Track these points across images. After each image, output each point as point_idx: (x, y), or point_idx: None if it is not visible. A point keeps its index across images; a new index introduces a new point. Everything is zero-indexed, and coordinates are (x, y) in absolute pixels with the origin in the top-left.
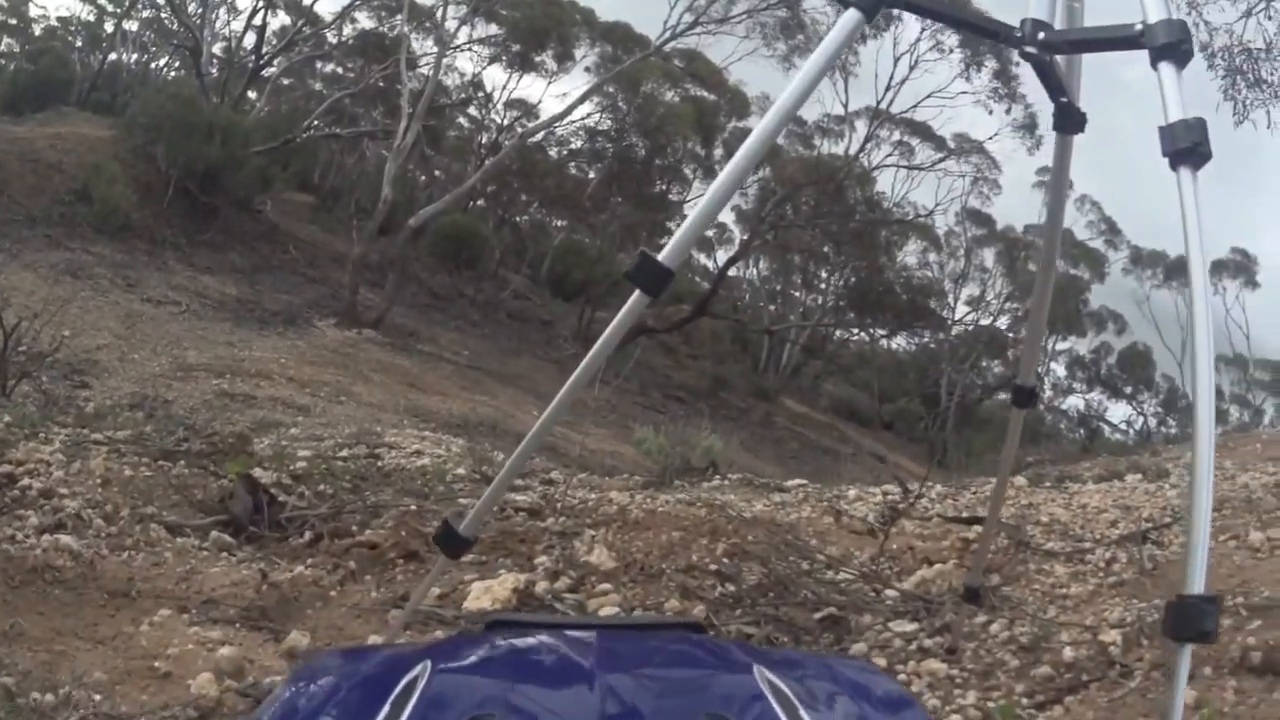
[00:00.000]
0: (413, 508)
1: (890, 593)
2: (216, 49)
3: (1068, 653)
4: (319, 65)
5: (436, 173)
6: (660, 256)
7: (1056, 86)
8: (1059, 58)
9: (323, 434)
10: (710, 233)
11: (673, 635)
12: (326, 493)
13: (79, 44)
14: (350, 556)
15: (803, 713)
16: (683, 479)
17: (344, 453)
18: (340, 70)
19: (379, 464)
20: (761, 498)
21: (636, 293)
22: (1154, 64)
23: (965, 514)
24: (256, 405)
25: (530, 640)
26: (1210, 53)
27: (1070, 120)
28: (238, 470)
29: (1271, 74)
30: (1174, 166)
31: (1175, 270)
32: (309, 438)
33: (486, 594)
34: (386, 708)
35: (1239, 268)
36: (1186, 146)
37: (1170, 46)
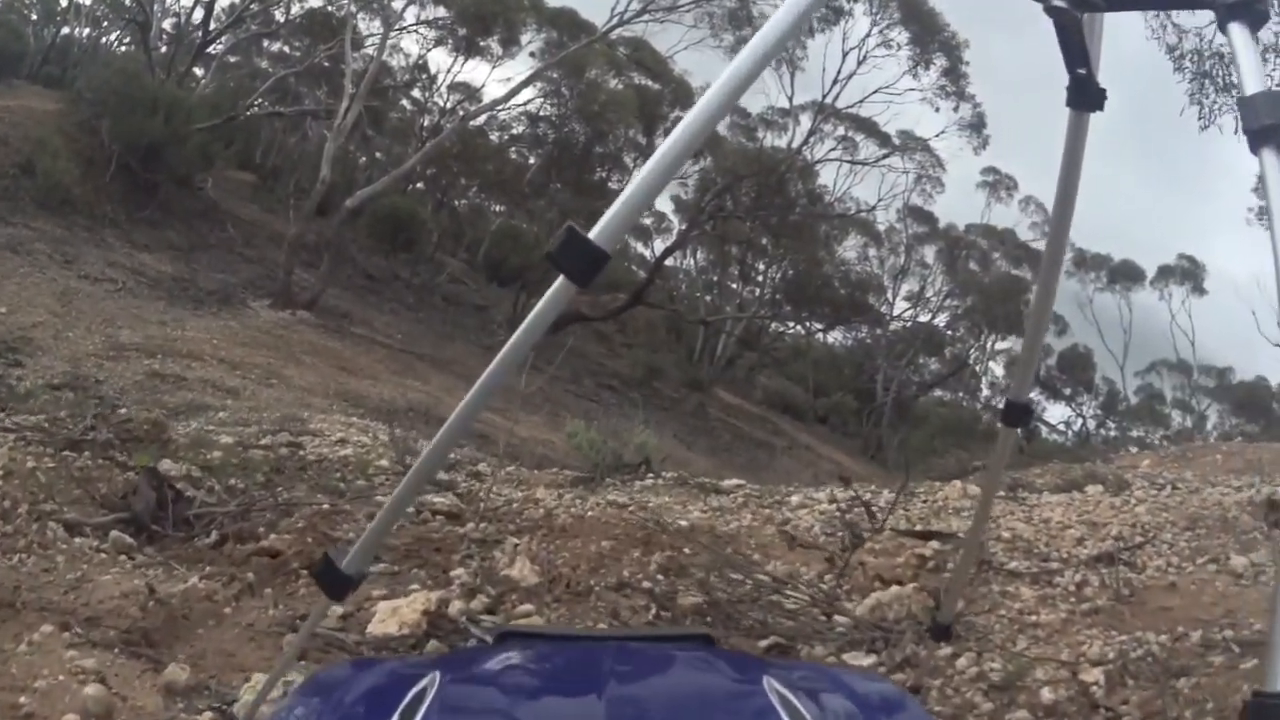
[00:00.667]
0: (325, 507)
1: (843, 619)
2: (167, 24)
3: (1045, 694)
4: (266, 43)
5: (378, 154)
6: (593, 235)
7: (1077, 54)
8: (1087, 16)
9: (250, 418)
10: (648, 221)
11: (683, 646)
12: (237, 488)
13: (34, 17)
14: (249, 566)
15: None
16: (615, 476)
17: (266, 440)
18: (287, 49)
19: (300, 453)
20: (698, 501)
21: (560, 280)
22: (1222, 26)
23: (919, 526)
24: (186, 387)
25: (539, 652)
26: (1179, 54)
27: (1087, 95)
28: (145, 462)
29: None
30: (1255, 149)
31: (1119, 274)
32: (236, 422)
33: (393, 616)
34: (395, 718)
35: (1186, 274)
36: (1272, 124)
37: (1242, 5)
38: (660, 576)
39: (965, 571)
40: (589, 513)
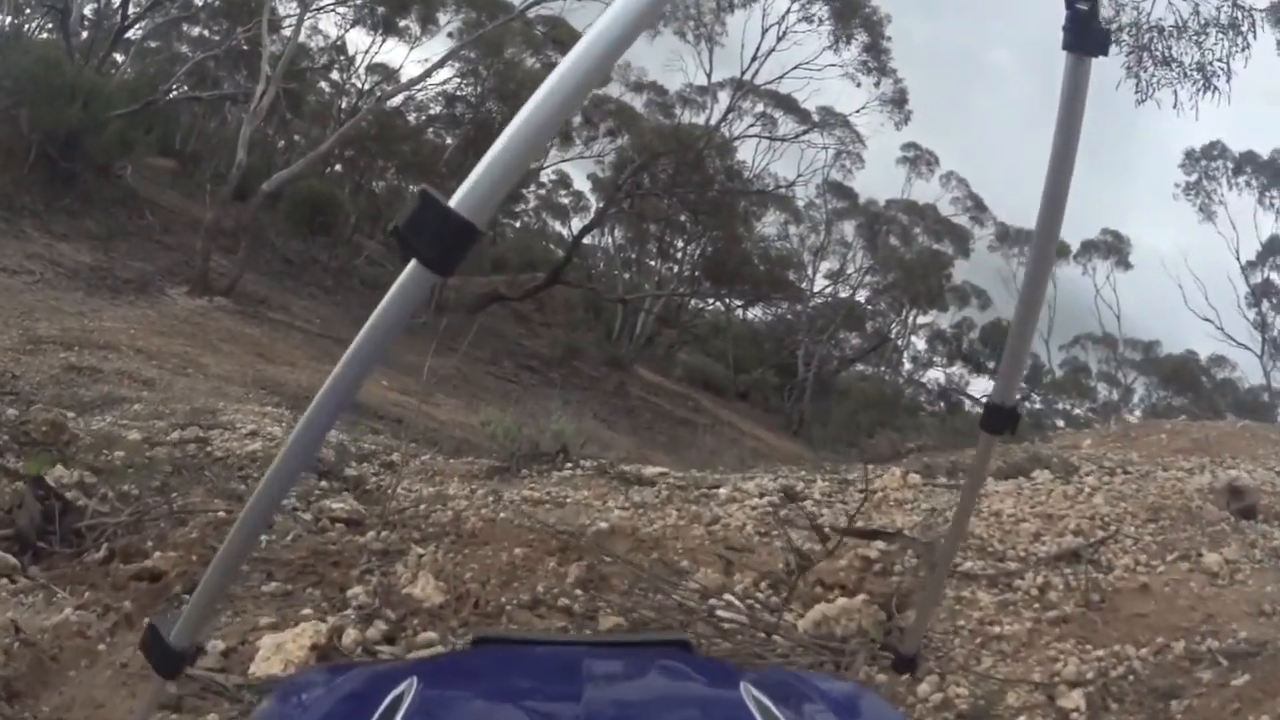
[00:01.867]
0: (221, 514)
1: (784, 640)
2: (88, 10)
3: None
4: (185, 27)
5: (296, 138)
6: (453, 203)
7: None
8: None
9: (164, 410)
10: (566, 199)
11: (660, 652)
12: (131, 494)
13: None
14: (128, 593)
15: None
16: (531, 466)
17: (174, 435)
18: (206, 33)
19: (208, 449)
20: (619, 494)
21: (412, 265)
22: None
23: (860, 520)
24: (103, 380)
25: (516, 657)
26: (1116, 27)
27: (1089, 37)
28: (34, 471)
29: (1183, 54)
30: None
31: None
32: (151, 415)
33: (278, 654)
34: None
35: (1110, 249)
36: None
37: None
38: (579, 592)
39: (936, 595)
40: (501, 514)
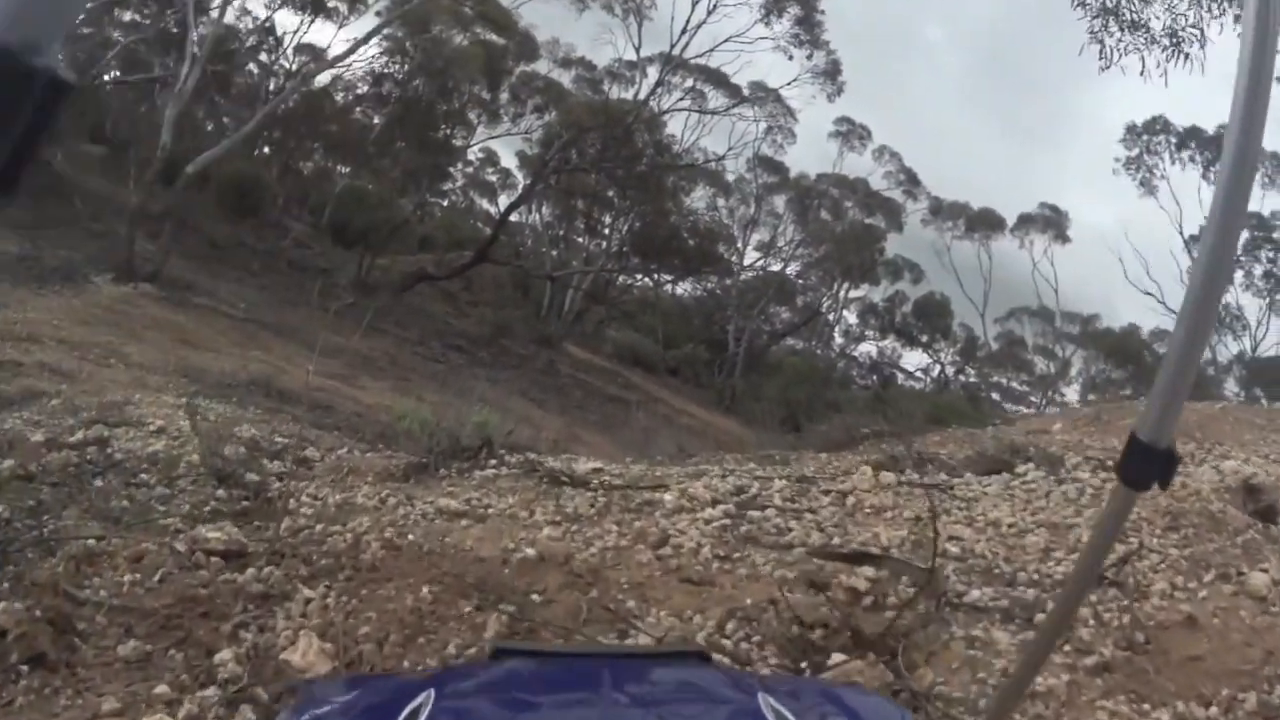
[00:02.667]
0: (90, 542)
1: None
2: None
3: None
4: (116, 12)
5: (225, 119)
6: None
7: None
8: None
9: (80, 404)
10: (493, 177)
11: (678, 663)
12: (2, 517)
13: None
14: None
15: None
16: (452, 464)
17: (79, 435)
18: (138, 17)
19: (108, 450)
20: (548, 500)
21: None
22: None
23: (835, 535)
24: (23, 373)
25: (536, 668)
26: None
27: None
28: None
29: (1154, 18)
30: None
31: (978, 221)
32: (66, 410)
33: None
34: None
35: (1049, 222)
36: None
37: None
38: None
39: (1019, 692)
40: (410, 535)
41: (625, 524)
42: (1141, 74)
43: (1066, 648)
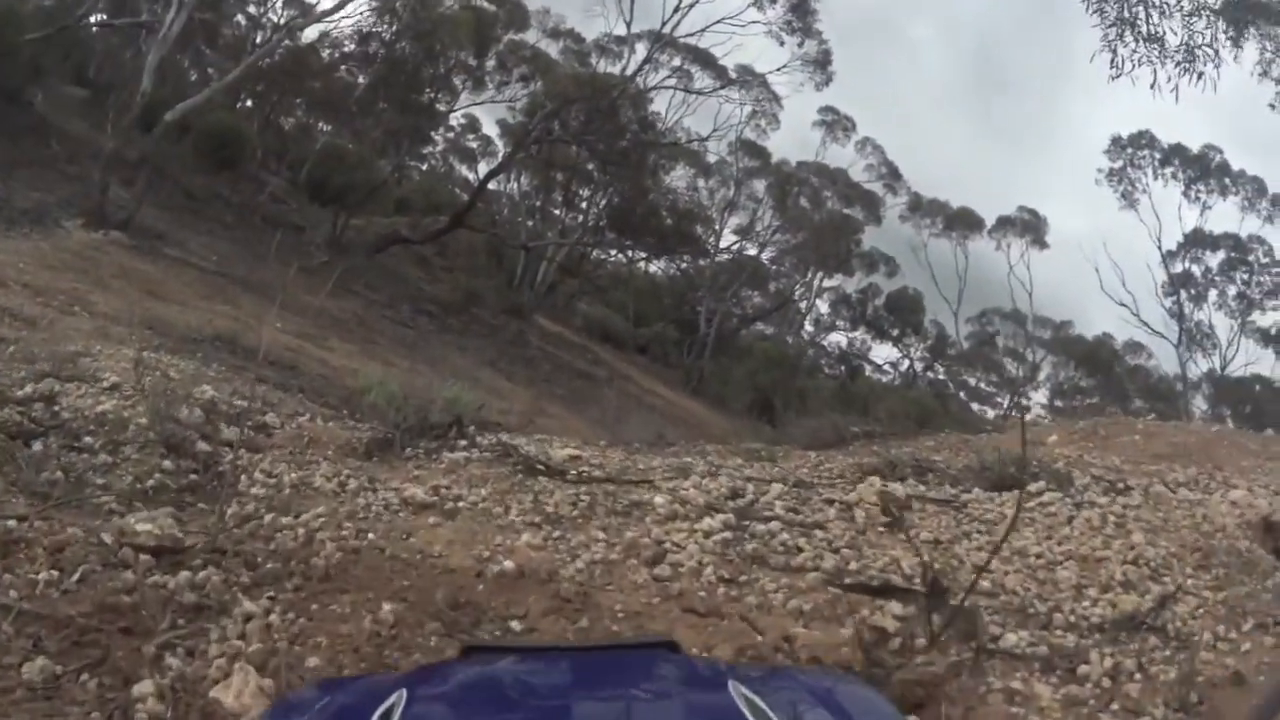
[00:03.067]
0: (10, 524)
1: None
2: None
3: None
4: None
5: (210, 70)
6: None
7: None
8: None
9: (38, 354)
10: (474, 144)
11: (648, 654)
12: None
13: None
14: None
15: None
16: (419, 442)
17: (27, 389)
18: None
19: (55, 408)
20: (524, 493)
21: None
22: None
23: (852, 560)
24: None
25: (507, 665)
26: None
27: None
28: None
29: (1173, 32)
30: None
31: (957, 220)
32: (24, 360)
33: None
34: None
35: (1026, 226)
36: None
37: None
38: None
39: None
40: (370, 534)
41: (613, 531)
42: (1152, 86)
43: (1115, 705)
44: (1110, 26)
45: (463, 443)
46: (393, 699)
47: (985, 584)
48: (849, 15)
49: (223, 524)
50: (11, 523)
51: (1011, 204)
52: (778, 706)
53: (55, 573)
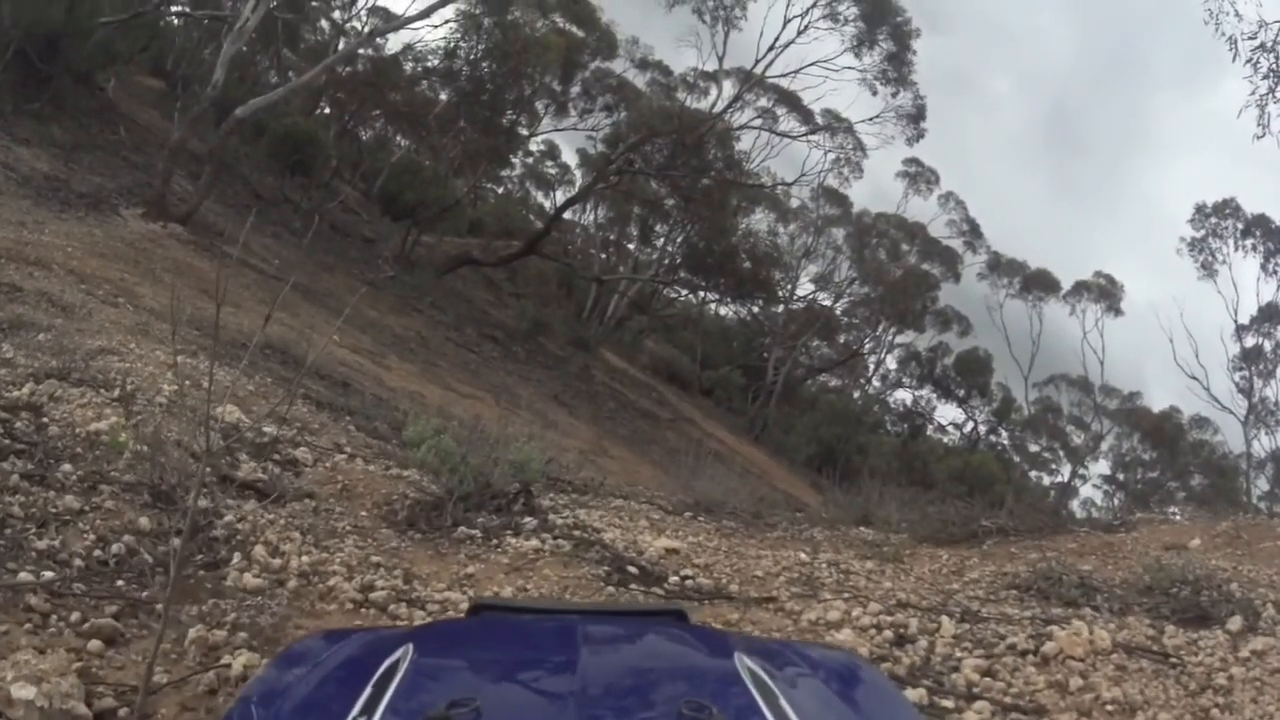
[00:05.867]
0: None
1: None
2: None
3: None
4: None
5: (290, 74)
6: None
7: None
8: None
9: (68, 345)
10: (552, 170)
11: (655, 622)
12: None
13: None
14: None
15: (782, 700)
16: (477, 514)
17: (25, 389)
18: None
19: (43, 420)
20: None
21: None
22: None
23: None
24: (19, 299)
25: (514, 625)
26: (1258, 44)
27: None
28: None
29: None
30: None
31: (1034, 282)
32: (53, 350)
33: None
34: (368, 689)
35: (1103, 292)
36: None
37: None
38: None
39: None
40: None
41: None
42: None
43: None
44: (1265, 78)
45: (530, 521)
46: (399, 653)
47: None
48: (926, 64)
49: (151, 682)
50: None
51: (1077, 266)
52: (783, 680)
53: None
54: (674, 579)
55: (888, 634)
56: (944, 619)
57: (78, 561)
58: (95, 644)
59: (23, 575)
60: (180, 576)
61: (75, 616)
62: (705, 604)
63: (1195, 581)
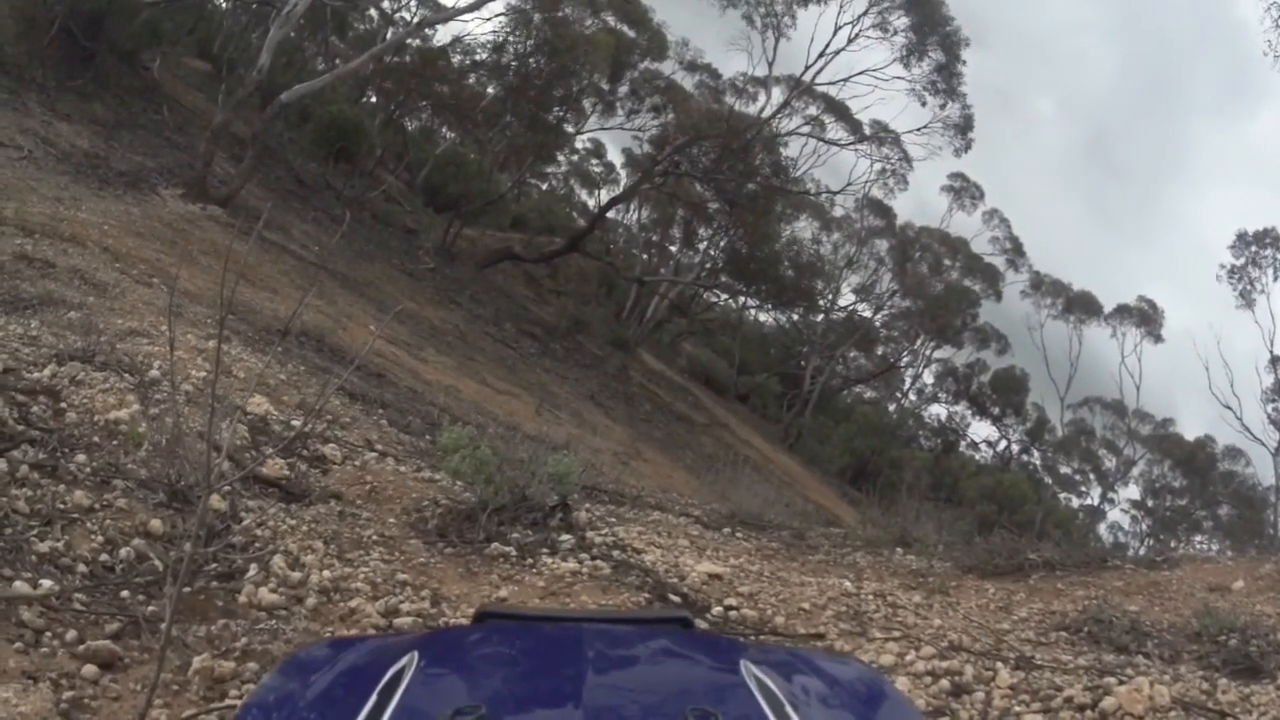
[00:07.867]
0: None
1: None
2: None
3: None
4: None
5: (337, 61)
6: None
7: None
8: None
9: (98, 324)
10: (597, 169)
11: (662, 629)
12: None
13: None
14: None
15: (788, 708)
16: (511, 528)
17: (47, 370)
18: None
19: (60, 405)
20: None
21: None
22: None
23: None
24: (52, 276)
25: (519, 633)
26: None
27: None
28: None
29: None
30: None
31: (1076, 303)
32: (83, 328)
33: None
34: (373, 697)
35: (1144, 317)
36: None
37: None
38: None
39: None
40: None
41: None
42: None
43: None
44: None
45: (567, 539)
46: (404, 661)
47: None
48: (971, 81)
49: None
50: None
51: (1112, 290)
52: (790, 689)
53: None
54: (717, 609)
55: (944, 683)
56: (999, 666)
57: (81, 567)
58: (90, 669)
59: (18, 584)
60: (189, 591)
61: (71, 635)
62: (752, 638)
63: (1243, 629)
